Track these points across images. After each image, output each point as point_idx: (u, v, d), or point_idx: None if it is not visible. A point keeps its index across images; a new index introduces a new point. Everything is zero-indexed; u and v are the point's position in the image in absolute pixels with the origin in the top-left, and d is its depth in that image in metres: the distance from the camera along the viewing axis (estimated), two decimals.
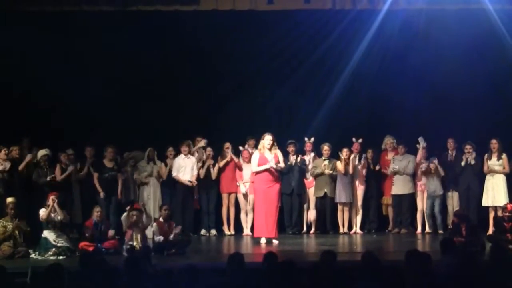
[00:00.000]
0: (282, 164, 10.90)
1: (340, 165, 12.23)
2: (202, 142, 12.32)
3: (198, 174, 12.17)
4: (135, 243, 9.57)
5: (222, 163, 12.26)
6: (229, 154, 12.25)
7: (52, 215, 9.90)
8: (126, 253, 9.38)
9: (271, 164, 10.64)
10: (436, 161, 12.02)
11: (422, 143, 12.14)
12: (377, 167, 12.51)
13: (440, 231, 11.87)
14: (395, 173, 12.25)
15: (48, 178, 11.00)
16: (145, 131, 12.56)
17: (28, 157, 11.05)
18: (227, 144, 12.33)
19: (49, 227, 9.83)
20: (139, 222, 9.78)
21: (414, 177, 12.34)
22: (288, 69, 13.24)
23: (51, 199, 9.94)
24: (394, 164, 12.23)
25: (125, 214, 9.86)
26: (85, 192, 11.71)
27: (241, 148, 12.39)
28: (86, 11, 12.45)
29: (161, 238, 9.78)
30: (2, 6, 12.12)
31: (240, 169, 12.31)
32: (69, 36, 12.46)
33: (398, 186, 12.30)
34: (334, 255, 6.03)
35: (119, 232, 10.68)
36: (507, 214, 10.17)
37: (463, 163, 11.88)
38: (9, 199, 10.00)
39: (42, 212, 9.89)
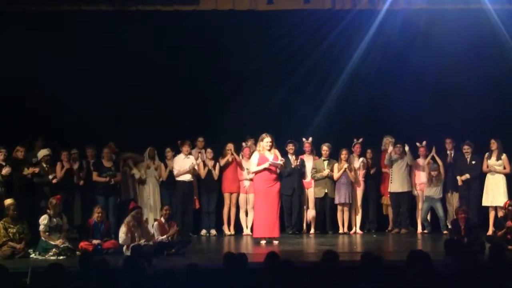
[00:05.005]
0: (280, 162, 10.89)
1: (336, 168, 12.22)
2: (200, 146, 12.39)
3: (200, 175, 12.22)
4: (142, 241, 9.62)
5: (223, 162, 12.26)
6: (229, 155, 12.24)
7: (55, 220, 9.90)
8: (130, 251, 9.41)
9: (270, 162, 10.64)
10: (435, 172, 12.00)
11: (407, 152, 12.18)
12: (372, 171, 12.50)
13: (445, 232, 11.82)
14: (391, 163, 12.21)
15: (50, 177, 10.99)
16: (145, 131, 12.55)
17: (32, 169, 10.95)
18: (230, 145, 12.33)
19: (48, 231, 9.84)
20: (141, 219, 9.87)
21: (411, 175, 12.37)
22: (288, 69, 13.23)
23: (50, 205, 9.93)
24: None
25: (128, 217, 9.87)
26: (85, 193, 11.70)
27: (243, 144, 12.38)
28: (85, 11, 12.45)
29: (163, 238, 9.82)
30: (2, 6, 12.12)
31: (242, 168, 12.32)
32: (69, 36, 12.46)
33: (396, 184, 12.30)
34: (336, 255, 6.03)
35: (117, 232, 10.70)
36: (506, 209, 10.24)
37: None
38: (9, 201, 9.98)
39: (42, 227, 9.84)
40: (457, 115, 12.82)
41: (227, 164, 12.33)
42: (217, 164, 12.33)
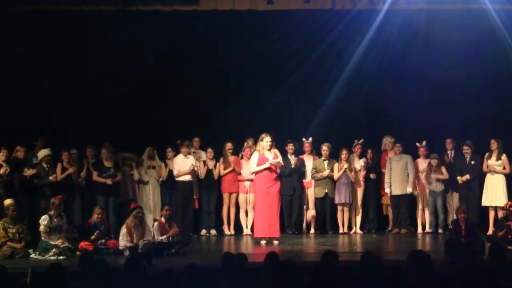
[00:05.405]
0: (280, 160, 10.88)
1: (336, 168, 12.23)
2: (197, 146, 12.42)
3: (199, 174, 12.23)
4: (140, 241, 9.60)
5: (224, 172, 12.27)
6: (232, 166, 12.25)
7: (55, 220, 9.90)
8: (128, 251, 9.41)
9: (270, 161, 10.64)
10: (435, 159, 12.02)
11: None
12: (373, 176, 12.51)
13: (440, 230, 11.87)
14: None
15: (50, 178, 10.99)
16: (145, 131, 12.56)
17: (31, 171, 10.96)
18: (229, 145, 12.34)
19: (48, 232, 9.84)
20: (142, 219, 9.86)
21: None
22: (288, 69, 13.22)
23: (52, 205, 9.92)
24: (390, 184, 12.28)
25: (129, 218, 9.86)
26: (85, 193, 11.70)
27: (245, 144, 12.39)
28: (85, 11, 12.46)
29: (163, 238, 9.82)
30: (2, 6, 12.12)
31: (239, 174, 12.35)
32: (69, 36, 12.46)
33: (396, 187, 12.29)
34: (336, 255, 6.03)
35: (117, 232, 10.70)
36: (507, 210, 10.26)
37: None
38: (8, 201, 9.96)
39: (42, 227, 9.84)
40: (457, 115, 12.83)
41: (227, 166, 12.34)
42: (218, 164, 12.34)
